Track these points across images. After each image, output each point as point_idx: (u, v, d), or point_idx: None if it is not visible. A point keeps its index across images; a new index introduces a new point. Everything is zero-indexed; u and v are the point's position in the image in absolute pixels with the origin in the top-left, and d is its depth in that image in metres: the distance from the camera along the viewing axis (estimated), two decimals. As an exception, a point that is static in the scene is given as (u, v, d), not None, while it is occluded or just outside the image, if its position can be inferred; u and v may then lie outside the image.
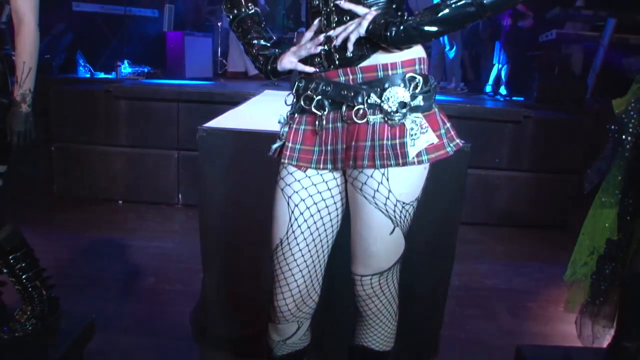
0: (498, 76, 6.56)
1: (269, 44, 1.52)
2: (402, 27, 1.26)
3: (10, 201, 2.27)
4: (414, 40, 1.29)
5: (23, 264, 2.17)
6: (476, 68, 7.54)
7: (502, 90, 6.40)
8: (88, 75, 6.49)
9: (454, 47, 6.60)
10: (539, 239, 4.59)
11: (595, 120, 5.20)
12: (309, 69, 1.40)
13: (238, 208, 2.54)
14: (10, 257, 2.14)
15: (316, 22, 1.40)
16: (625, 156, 2.05)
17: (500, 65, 6.50)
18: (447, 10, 1.24)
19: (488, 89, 6.66)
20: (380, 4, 1.33)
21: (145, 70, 6.52)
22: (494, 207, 4.81)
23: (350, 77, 1.36)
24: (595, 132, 4.91)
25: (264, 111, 3.38)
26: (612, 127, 2.08)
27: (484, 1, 1.23)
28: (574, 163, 4.80)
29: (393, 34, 1.26)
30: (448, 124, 1.41)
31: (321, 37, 1.38)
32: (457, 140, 1.42)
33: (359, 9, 1.32)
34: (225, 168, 2.53)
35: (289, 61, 1.44)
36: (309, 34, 1.42)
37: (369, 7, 1.32)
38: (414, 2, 6.32)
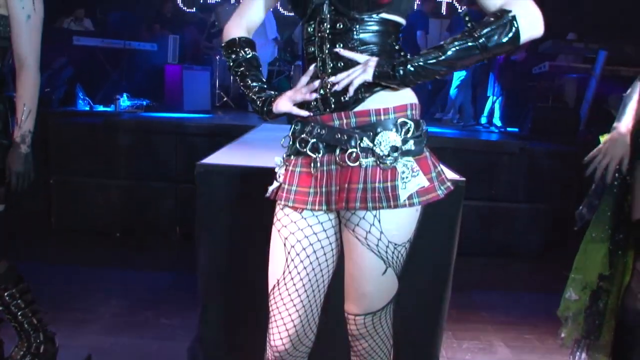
0: (492, 108, 6.65)
1: (265, 86, 1.57)
2: (409, 67, 1.31)
3: (7, 238, 2.29)
4: (421, 78, 1.33)
5: (19, 301, 2.18)
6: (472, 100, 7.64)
7: (497, 121, 6.47)
8: (87, 108, 6.56)
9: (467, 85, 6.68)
10: (536, 269, 4.61)
11: (588, 151, 5.25)
12: (304, 113, 1.45)
13: (235, 244, 2.56)
14: (6, 294, 2.16)
15: (312, 67, 1.45)
16: (613, 192, 2.08)
17: (494, 97, 6.59)
18: (451, 52, 1.30)
19: (483, 120, 6.74)
20: (373, 48, 1.38)
21: (144, 103, 6.59)
22: (490, 238, 4.84)
23: (345, 121, 1.40)
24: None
25: (261, 145, 3.42)
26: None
27: (488, 44, 1.29)
28: (569, 194, 4.84)
29: (402, 72, 1.32)
30: (439, 167, 1.45)
31: (316, 83, 1.43)
32: (448, 183, 1.46)
33: (358, 57, 1.37)
34: (222, 204, 2.56)
35: (284, 105, 1.48)
36: (304, 79, 1.47)
37: (366, 53, 1.37)
38: (423, 41, 6.42)
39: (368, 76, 1.34)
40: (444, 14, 10.03)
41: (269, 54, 7.32)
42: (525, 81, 6.88)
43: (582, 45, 6.76)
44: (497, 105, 6.58)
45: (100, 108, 6.66)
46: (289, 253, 1.47)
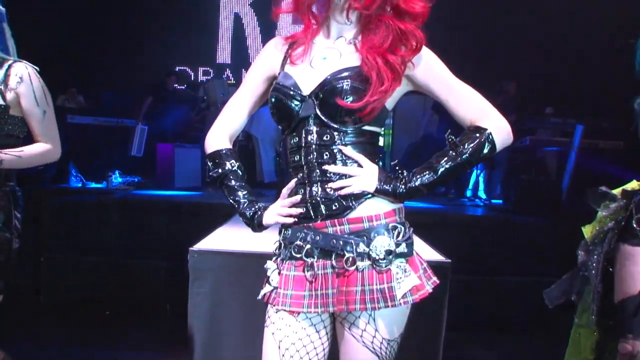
0: (477, 181, 6.83)
1: (253, 199, 1.65)
2: (407, 187, 1.48)
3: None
4: (414, 196, 1.50)
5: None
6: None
7: (482, 194, 6.63)
8: (79, 185, 6.66)
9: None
10: (524, 341, 4.62)
11: (571, 224, 5.38)
12: (291, 221, 1.55)
13: (226, 328, 2.60)
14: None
15: (292, 182, 1.56)
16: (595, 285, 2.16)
17: (478, 171, 6.78)
18: (441, 171, 1.48)
19: (468, 193, 6.89)
20: (351, 163, 1.50)
21: (136, 180, 6.70)
22: (478, 312, 4.88)
23: (338, 228, 1.50)
24: (572, 236, 5.08)
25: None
26: (580, 252, 2.21)
27: (471, 160, 1.48)
28: (554, 267, 4.92)
29: (400, 191, 1.48)
30: (425, 264, 1.57)
31: (298, 197, 1.53)
32: (434, 278, 1.58)
33: (351, 170, 1.49)
34: (214, 288, 2.62)
35: (272, 217, 1.58)
36: (285, 191, 1.58)
37: (350, 162, 1.49)
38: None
39: (370, 189, 1.48)
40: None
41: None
42: (508, 155, 7.10)
43: (560, 120, 7.03)
44: (481, 179, 6.77)
45: (93, 185, 6.76)
46: (282, 355, 1.53)
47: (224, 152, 1.67)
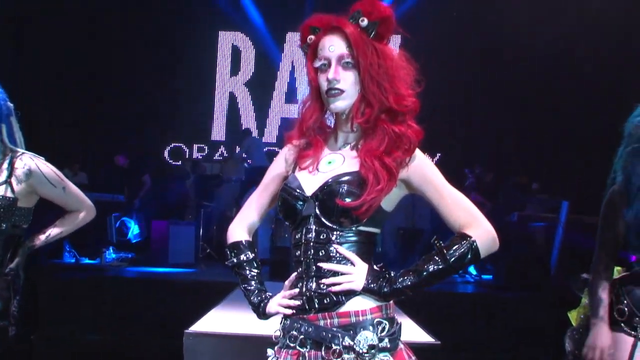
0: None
1: (263, 288, 1.77)
2: (392, 288, 1.57)
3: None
4: (399, 297, 1.60)
5: None
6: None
7: (472, 270, 6.71)
8: (73, 261, 6.68)
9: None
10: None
11: (561, 298, 5.45)
12: (289, 312, 1.65)
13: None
14: None
15: (293, 275, 1.67)
16: None
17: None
18: (426, 275, 1.57)
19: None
20: (344, 262, 1.60)
21: (129, 256, 6.75)
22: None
23: (328, 321, 1.60)
24: (562, 313, 5.14)
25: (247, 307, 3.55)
26: (567, 341, 2.33)
27: (455, 266, 1.58)
28: (543, 342, 4.96)
29: (385, 291, 1.57)
30: (413, 358, 1.64)
31: (296, 290, 1.64)
32: None
33: (343, 268, 1.59)
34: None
35: (274, 308, 1.69)
36: (287, 284, 1.69)
37: (344, 262, 1.60)
38: None
39: (358, 288, 1.58)
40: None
41: None
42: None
43: (546, 197, 7.23)
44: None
45: (86, 261, 6.78)
46: None
47: (243, 243, 1.82)
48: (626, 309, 2.23)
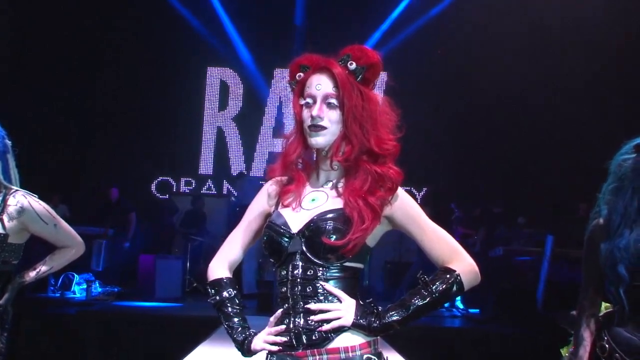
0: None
1: (247, 325, 1.76)
2: (380, 323, 1.60)
3: None
4: (387, 331, 1.62)
5: None
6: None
7: (459, 304, 6.73)
8: (57, 295, 6.60)
9: None
10: None
11: (548, 333, 5.47)
12: (275, 349, 1.66)
13: None
14: None
15: (279, 312, 1.68)
16: None
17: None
18: (413, 309, 1.61)
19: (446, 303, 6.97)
20: (331, 298, 1.63)
21: (116, 290, 6.69)
22: None
23: (317, 357, 1.61)
24: (548, 346, 5.16)
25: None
26: None
27: (440, 299, 1.63)
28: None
29: (374, 326, 1.60)
30: None
31: (283, 326, 1.65)
32: None
33: (332, 306, 1.61)
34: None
35: (259, 344, 1.69)
36: (273, 320, 1.70)
37: (331, 298, 1.63)
38: None
39: (347, 324, 1.60)
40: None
41: None
42: (482, 264, 7.25)
43: (532, 231, 7.30)
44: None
45: (71, 295, 6.70)
46: None
47: (224, 280, 1.81)
48: (607, 345, 2.26)
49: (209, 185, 9.93)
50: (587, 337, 2.29)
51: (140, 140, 9.43)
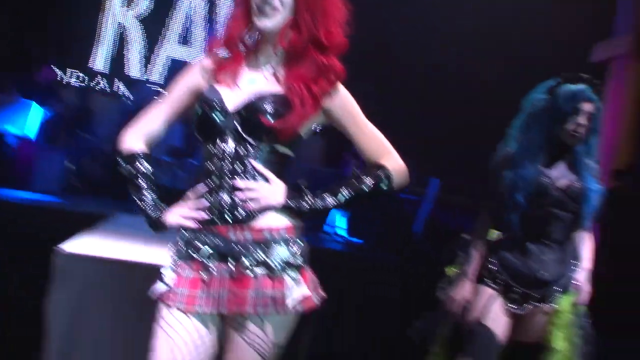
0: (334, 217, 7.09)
1: (161, 204, 1.70)
2: (309, 208, 1.63)
3: None
4: (314, 216, 1.67)
5: None
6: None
7: (343, 232, 6.93)
8: None
9: None
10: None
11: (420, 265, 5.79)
12: (194, 226, 1.62)
13: (85, 339, 2.50)
14: None
15: (199, 186, 1.65)
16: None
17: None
18: (343, 198, 1.65)
19: (327, 228, 7.12)
20: (258, 176, 1.61)
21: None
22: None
23: (239, 234, 1.61)
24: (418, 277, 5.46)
25: (122, 237, 3.37)
26: (442, 289, 2.56)
27: (370, 193, 1.68)
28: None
29: (303, 210, 1.63)
30: (314, 278, 1.72)
31: (204, 201, 1.62)
32: (321, 292, 1.74)
33: (260, 186, 1.60)
34: (79, 295, 2.52)
35: (175, 219, 1.65)
36: (192, 194, 1.66)
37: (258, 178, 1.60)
38: None
39: (277, 204, 1.61)
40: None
41: None
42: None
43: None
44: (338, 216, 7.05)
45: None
46: (172, 350, 1.58)
47: (140, 154, 1.73)
48: (494, 268, 2.48)
49: (101, 84, 9.22)
50: (475, 256, 2.52)
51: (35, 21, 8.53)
